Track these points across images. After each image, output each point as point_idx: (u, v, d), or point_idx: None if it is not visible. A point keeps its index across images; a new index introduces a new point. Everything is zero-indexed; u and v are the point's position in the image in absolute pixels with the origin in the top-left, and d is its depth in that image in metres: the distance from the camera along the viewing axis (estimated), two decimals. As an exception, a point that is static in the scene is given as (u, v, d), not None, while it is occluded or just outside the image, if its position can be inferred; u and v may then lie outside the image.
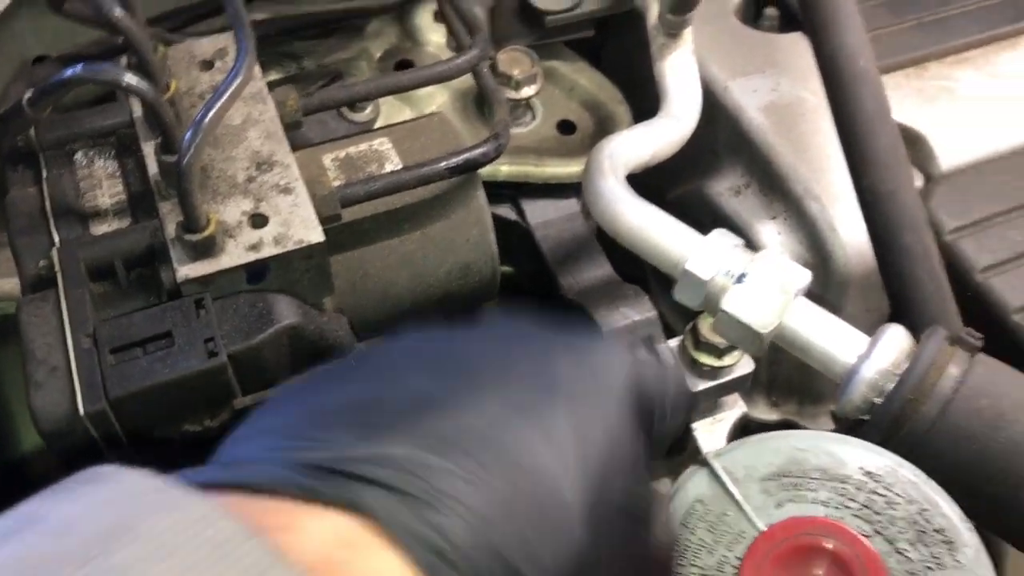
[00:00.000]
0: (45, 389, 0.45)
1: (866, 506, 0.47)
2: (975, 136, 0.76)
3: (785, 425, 0.80)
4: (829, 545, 0.44)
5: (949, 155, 0.75)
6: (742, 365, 0.69)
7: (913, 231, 0.62)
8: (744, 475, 0.49)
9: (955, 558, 0.46)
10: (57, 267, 0.48)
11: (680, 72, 0.69)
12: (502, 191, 0.76)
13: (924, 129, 0.76)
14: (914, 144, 0.76)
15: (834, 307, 0.73)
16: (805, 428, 0.78)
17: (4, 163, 0.54)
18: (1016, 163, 0.74)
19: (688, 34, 0.71)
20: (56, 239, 0.50)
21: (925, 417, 0.50)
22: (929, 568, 0.45)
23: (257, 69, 0.56)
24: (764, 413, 0.80)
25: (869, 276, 0.69)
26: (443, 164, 0.56)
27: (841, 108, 0.66)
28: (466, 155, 0.56)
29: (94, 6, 0.47)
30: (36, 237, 0.51)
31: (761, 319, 0.54)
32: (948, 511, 0.47)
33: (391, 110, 0.75)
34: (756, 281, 0.55)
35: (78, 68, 0.46)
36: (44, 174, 0.53)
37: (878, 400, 0.52)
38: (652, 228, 0.59)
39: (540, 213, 0.77)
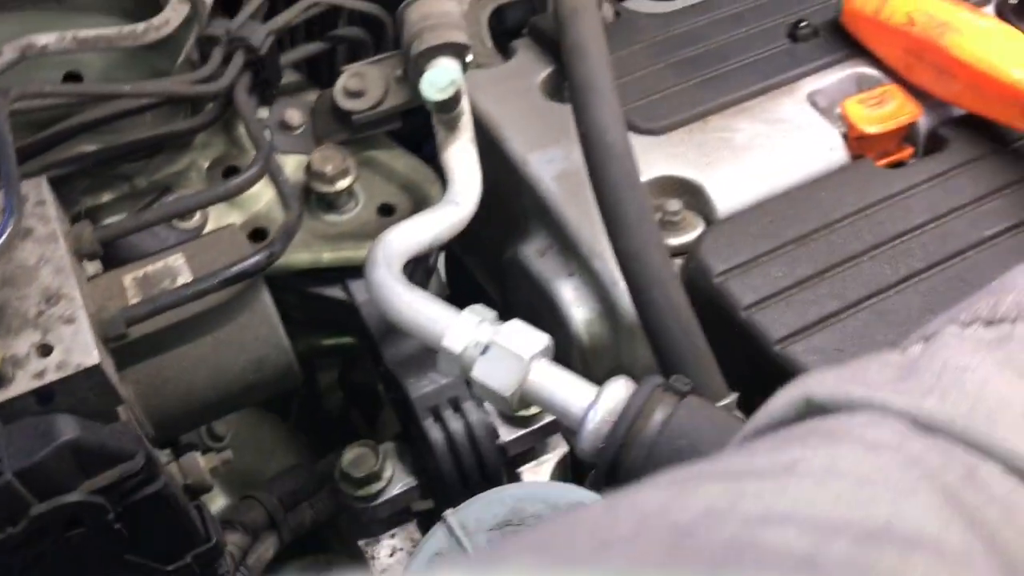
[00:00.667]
0: None
1: (572, 545, 0.54)
2: (749, 182, 0.84)
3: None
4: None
5: (726, 202, 0.83)
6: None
7: (659, 286, 0.70)
8: (475, 527, 0.56)
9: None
10: None
11: (459, 162, 0.78)
12: (329, 274, 0.85)
13: (703, 179, 0.84)
14: (694, 194, 0.84)
15: (630, 352, 0.81)
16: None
17: None
18: (783, 204, 0.82)
19: (465, 123, 0.79)
20: None
21: (635, 459, 0.58)
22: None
23: (52, 212, 0.64)
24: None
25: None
26: (217, 279, 0.64)
27: (594, 178, 0.74)
28: (239, 267, 0.64)
29: None
30: None
31: (503, 384, 0.62)
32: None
33: (221, 213, 0.84)
34: (498, 350, 0.63)
35: None
36: None
37: (601, 446, 0.60)
38: (416, 312, 0.67)
39: (365, 291, 0.85)
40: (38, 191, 0.65)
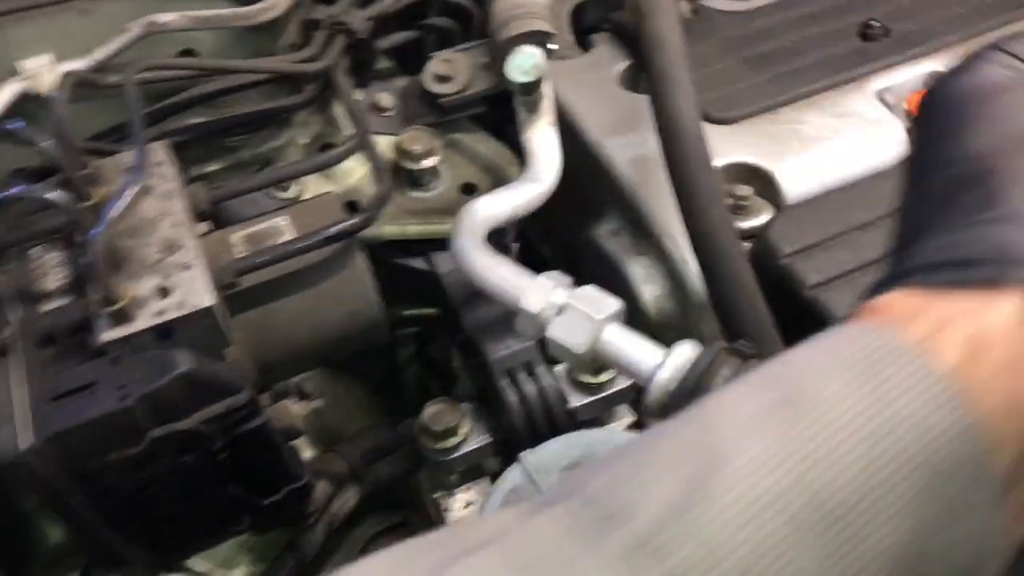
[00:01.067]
0: (-1, 434, 0.59)
1: (638, 487, 0.59)
2: (817, 171, 0.88)
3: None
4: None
5: (794, 189, 0.87)
6: (619, 380, 0.82)
7: (727, 261, 0.74)
8: (549, 467, 0.61)
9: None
10: (12, 339, 0.63)
11: (540, 142, 0.82)
12: (414, 246, 0.90)
13: (773, 168, 0.88)
14: (764, 181, 0.88)
15: (698, 325, 0.85)
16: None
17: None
18: (850, 193, 0.85)
19: (546, 106, 0.84)
20: (10, 318, 0.65)
21: (700, 413, 0.62)
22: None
23: (171, 171, 0.71)
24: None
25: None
26: (318, 236, 0.70)
27: (669, 162, 0.78)
28: (338, 228, 0.70)
29: (29, 137, 0.63)
30: (-3, 318, 0.66)
31: (577, 342, 0.67)
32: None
33: (317, 184, 0.90)
34: (572, 312, 0.68)
35: (16, 189, 0.61)
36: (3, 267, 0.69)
37: (668, 403, 0.64)
38: (497, 275, 0.72)
39: (448, 263, 0.90)
40: (160, 153, 0.72)
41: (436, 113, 0.92)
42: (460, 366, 0.89)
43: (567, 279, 0.71)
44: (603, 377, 0.81)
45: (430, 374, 1.17)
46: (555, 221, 0.99)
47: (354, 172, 0.91)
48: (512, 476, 0.61)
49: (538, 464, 0.61)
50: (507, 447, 0.82)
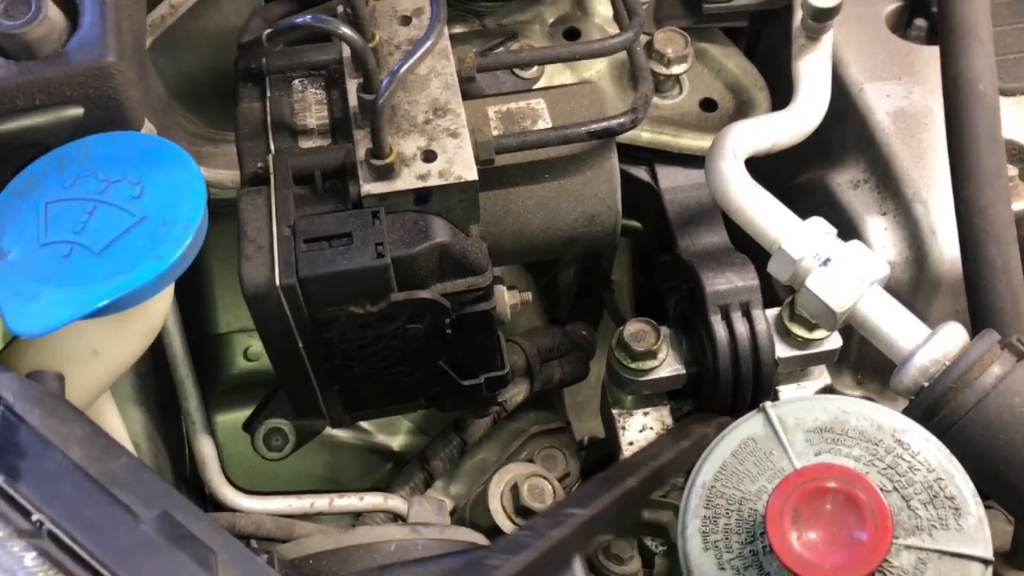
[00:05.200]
0: (252, 262, 0.58)
1: (891, 467, 0.56)
2: (1095, 165, 0.81)
3: (865, 403, 0.87)
4: (848, 489, 0.53)
5: (1064, 180, 0.80)
6: (831, 340, 0.78)
7: (998, 245, 0.68)
8: (793, 424, 0.58)
9: (959, 523, 0.54)
10: (271, 169, 0.62)
11: (813, 73, 0.77)
12: (640, 154, 0.86)
13: (1043, 151, 0.81)
14: (1031, 164, 0.82)
15: (925, 302, 0.80)
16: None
17: (239, 81, 0.68)
18: None
19: (827, 39, 0.78)
20: (272, 147, 0.64)
21: (962, 405, 0.58)
22: (934, 526, 0.54)
23: (445, 30, 0.67)
24: (848, 388, 0.88)
25: (961, 280, 0.76)
26: (584, 129, 0.66)
27: (953, 124, 0.72)
28: (605, 123, 0.66)
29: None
30: (257, 143, 0.65)
31: (837, 300, 0.63)
32: (962, 484, 0.55)
33: (554, 70, 0.86)
34: (839, 267, 0.63)
35: (307, 18, 0.59)
36: (268, 93, 0.66)
37: (925, 384, 0.60)
38: (757, 208, 0.67)
39: (671, 179, 0.86)
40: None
41: (694, 17, 0.87)
42: (664, 288, 0.86)
43: (832, 228, 0.67)
44: (817, 334, 0.77)
45: (587, 285, 1.14)
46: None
47: (594, 64, 0.87)
48: (753, 424, 0.58)
49: (783, 418, 0.58)
50: (699, 382, 0.79)
